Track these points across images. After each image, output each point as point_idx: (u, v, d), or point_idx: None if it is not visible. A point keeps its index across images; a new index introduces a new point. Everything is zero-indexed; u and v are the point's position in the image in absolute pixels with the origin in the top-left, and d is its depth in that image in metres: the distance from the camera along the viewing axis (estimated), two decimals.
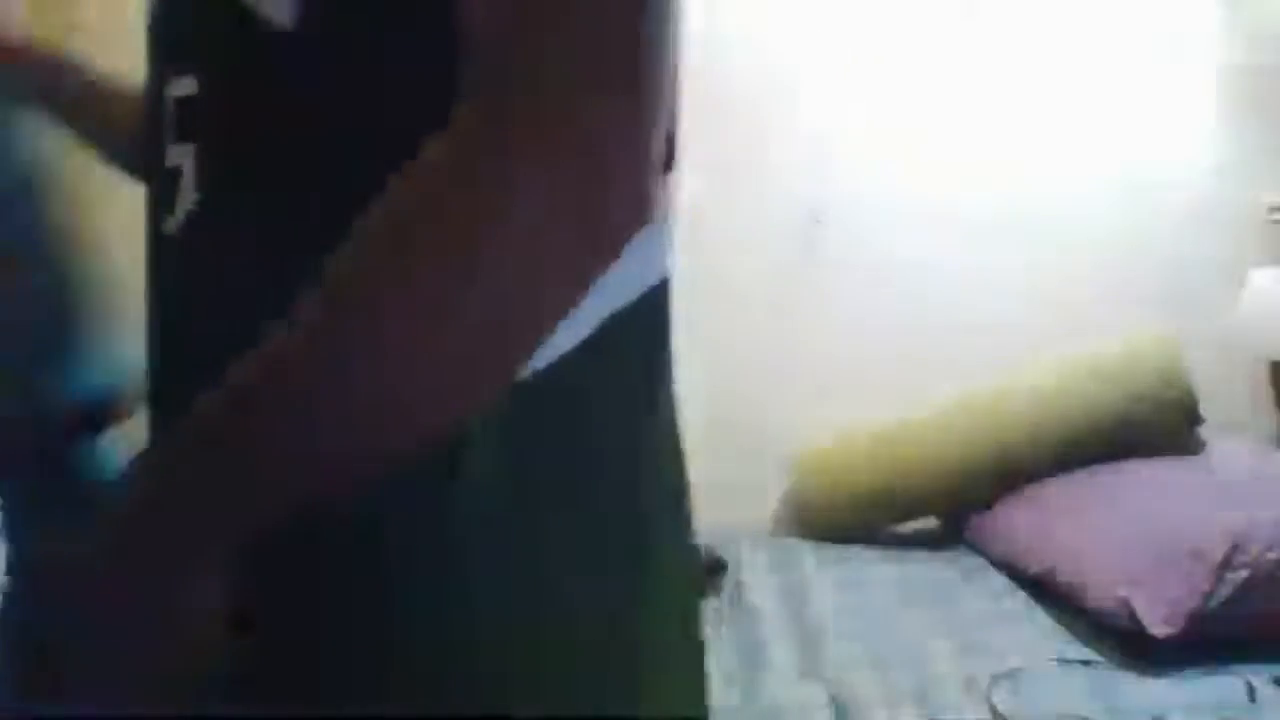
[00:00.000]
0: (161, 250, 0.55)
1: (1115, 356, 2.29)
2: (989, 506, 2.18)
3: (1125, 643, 1.59)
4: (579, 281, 0.43)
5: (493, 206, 0.41)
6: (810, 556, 2.19)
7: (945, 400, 2.34)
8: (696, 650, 0.61)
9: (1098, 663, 1.55)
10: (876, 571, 2.10)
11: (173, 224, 0.53)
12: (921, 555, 2.20)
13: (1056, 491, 2.07)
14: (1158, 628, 1.55)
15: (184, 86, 0.52)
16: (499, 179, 0.41)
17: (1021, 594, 1.86)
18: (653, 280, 0.54)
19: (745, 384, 2.30)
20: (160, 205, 0.54)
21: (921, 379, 2.38)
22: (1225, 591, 1.57)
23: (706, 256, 2.52)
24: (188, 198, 0.52)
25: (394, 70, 0.47)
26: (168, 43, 0.56)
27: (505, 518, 0.49)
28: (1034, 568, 1.89)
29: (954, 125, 2.59)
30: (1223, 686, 1.43)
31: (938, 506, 2.37)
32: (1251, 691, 1.40)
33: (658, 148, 0.43)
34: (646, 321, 0.54)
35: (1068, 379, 2.28)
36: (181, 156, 0.52)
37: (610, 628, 0.52)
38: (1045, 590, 1.84)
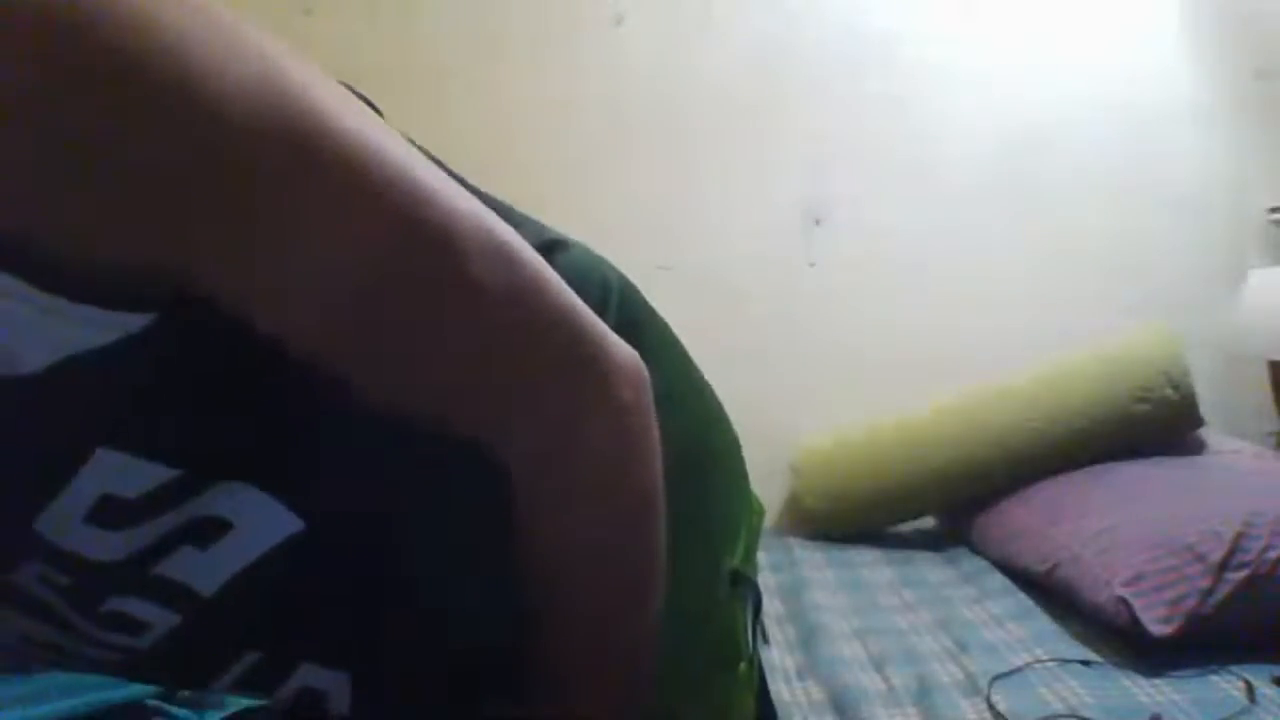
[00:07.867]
0: None
1: (1115, 357, 2.28)
2: (989, 506, 2.18)
3: (1125, 643, 1.59)
4: None
5: None
6: (810, 556, 2.19)
7: (945, 400, 2.34)
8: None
9: (1097, 663, 1.55)
10: (876, 571, 2.10)
11: None
12: (921, 555, 2.20)
13: (1056, 491, 2.07)
14: (1157, 627, 1.54)
15: None
16: None
17: (1021, 594, 1.86)
18: None
19: (745, 384, 2.29)
20: None
21: (921, 379, 2.38)
22: (1225, 591, 1.57)
23: (707, 257, 2.53)
24: None
25: None
26: None
27: None
28: (1034, 568, 1.88)
29: (954, 125, 2.59)
30: (1223, 686, 1.43)
31: (938, 506, 2.37)
32: (1251, 691, 1.40)
33: None
34: None
35: (1068, 379, 2.28)
36: None
37: None
38: (1045, 590, 1.84)
